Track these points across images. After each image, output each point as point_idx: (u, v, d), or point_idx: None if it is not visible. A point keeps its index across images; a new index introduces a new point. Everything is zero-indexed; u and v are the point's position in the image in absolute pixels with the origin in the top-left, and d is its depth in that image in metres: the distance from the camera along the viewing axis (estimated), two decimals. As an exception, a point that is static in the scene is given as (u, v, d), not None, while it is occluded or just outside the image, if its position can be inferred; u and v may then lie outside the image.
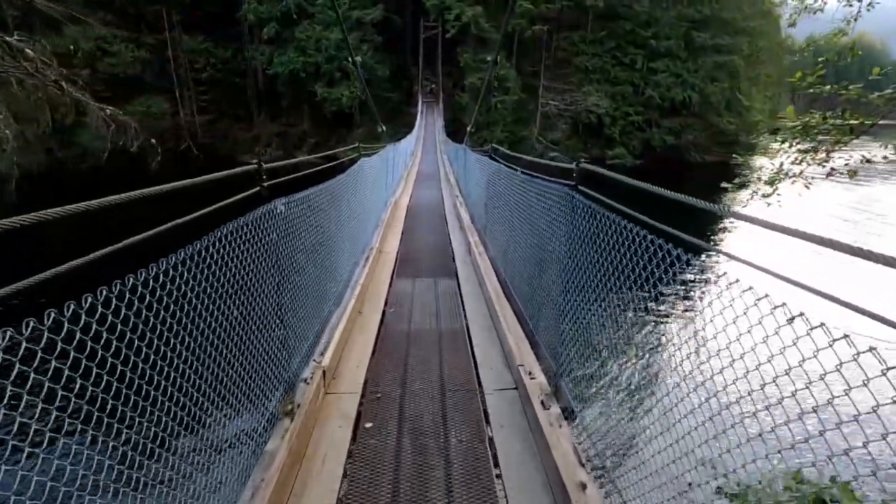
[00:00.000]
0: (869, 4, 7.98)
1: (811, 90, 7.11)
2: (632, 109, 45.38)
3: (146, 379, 1.84)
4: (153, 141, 7.17)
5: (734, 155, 46.75)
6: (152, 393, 1.88)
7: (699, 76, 45.18)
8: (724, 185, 7.97)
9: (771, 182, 7.39)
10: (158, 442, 1.91)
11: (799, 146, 6.92)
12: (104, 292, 1.57)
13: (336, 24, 41.16)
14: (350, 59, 5.96)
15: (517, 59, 44.43)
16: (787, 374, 1.46)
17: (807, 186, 7.72)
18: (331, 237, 4.57)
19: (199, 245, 2.17)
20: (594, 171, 2.89)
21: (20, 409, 1.32)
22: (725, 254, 2.03)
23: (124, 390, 1.72)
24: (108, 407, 1.63)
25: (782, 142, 6.97)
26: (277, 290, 2.99)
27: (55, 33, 39.24)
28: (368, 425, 2.91)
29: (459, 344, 4.08)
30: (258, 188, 2.74)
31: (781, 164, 7.35)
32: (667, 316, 11.18)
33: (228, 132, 46.13)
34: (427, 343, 4.10)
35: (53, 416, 1.41)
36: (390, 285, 5.75)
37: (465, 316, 4.79)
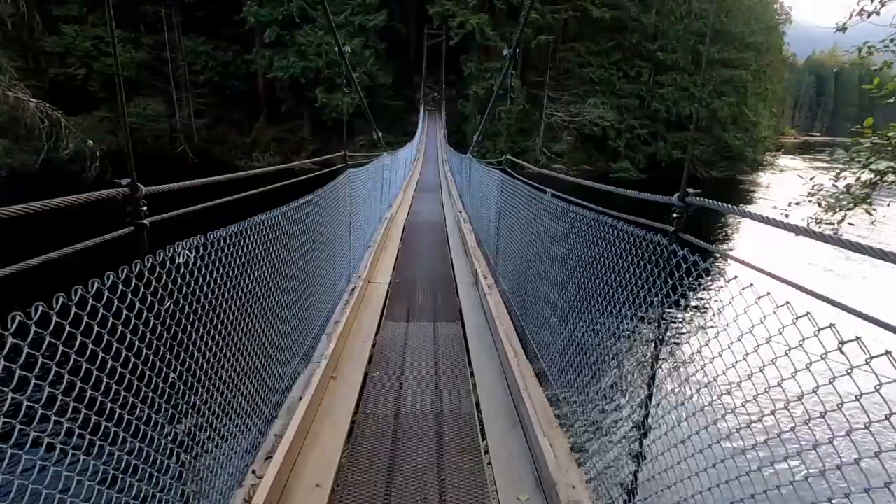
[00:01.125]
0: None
1: (892, 100, 6.01)
2: (637, 122, 44.56)
3: None
4: (91, 142, 6.06)
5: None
6: None
7: (706, 90, 44.30)
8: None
9: (834, 208, 6.22)
10: None
11: (875, 165, 5.76)
12: None
13: (339, 28, 40.29)
14: (338, 48, 4.80)
15: (522, 69, 43.61)
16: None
17: (870, 213, 6.56)
18: (297, 281, 3.39)
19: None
20: (702, 205, 1.73)
21: None
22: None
23: None
24: None
25: (862, 159, 5.80)
26: (177, 391, 1.79)
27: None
28: None
29: (468, 443, 2.86)
30: (131, 227, 1.55)
31: (849, 188, 6.20)
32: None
33: (226, 136, 45.17)
34: (422, 438, 2.89)
35: None
36: (377, 331, 4.55)
37: (474, 386, 3.58)
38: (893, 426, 1.09)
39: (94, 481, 1.44)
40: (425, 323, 4.71)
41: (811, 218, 6.35)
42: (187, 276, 1.86)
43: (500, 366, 3.86)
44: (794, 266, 14.89)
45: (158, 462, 1.72)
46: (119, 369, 1.52)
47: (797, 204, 6.74)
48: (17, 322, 1.15)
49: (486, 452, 2.80)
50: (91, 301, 1.38)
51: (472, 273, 6.26)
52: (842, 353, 1.18)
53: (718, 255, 1.48)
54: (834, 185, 6.27)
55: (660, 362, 2.00)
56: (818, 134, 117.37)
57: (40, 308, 1.21)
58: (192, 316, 1.92)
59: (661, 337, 1.95)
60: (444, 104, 42.14)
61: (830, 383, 1.23)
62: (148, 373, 1.66)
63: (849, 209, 5.82)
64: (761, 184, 44.98)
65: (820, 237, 1.29)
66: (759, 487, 1.52)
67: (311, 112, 42.27)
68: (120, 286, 1.48)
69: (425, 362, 3.90)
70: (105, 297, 1.44)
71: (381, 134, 8.70)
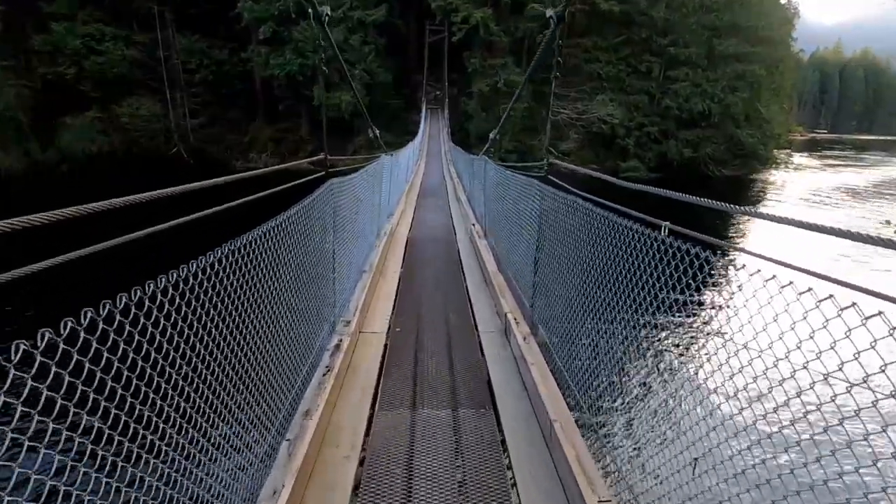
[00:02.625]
0: None
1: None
2: (647, 120, 42.92)
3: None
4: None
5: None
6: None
7: (720, 86, 42.66)
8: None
9: None
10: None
11: None
12: None
13: (337, 23, 38.71)
14: (312, 10, 3.27)
15: (526, 64, 42.06)
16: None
17: None
18: (243, 370, 1.92)
19: None
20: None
21: None
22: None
23: None
24: None
25: None
26: None
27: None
28: None
29: None
30: None
31: None
32: None
33: (222, 136, 43.84)
34: None
35: None
36: (367, 430, 2.99)
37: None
38: None
39: None
40: (440, 412, 3.13)
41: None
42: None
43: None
44: None
45: None
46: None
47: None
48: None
49: None
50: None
51: (499, 315, 4.70)
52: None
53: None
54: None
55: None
56: (824, 131, 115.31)
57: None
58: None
59: None
60: (446, 102, 40.55)
61: None
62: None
63: None
64: (775, 182, 43.35)
65: None
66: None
67: (309, 111, 40.89)
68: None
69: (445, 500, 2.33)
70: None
71: (378, 132, 7.14)
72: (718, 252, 1.81)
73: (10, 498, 1.14)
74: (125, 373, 1.44)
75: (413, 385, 3.47)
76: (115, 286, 1.39)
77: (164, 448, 1.66)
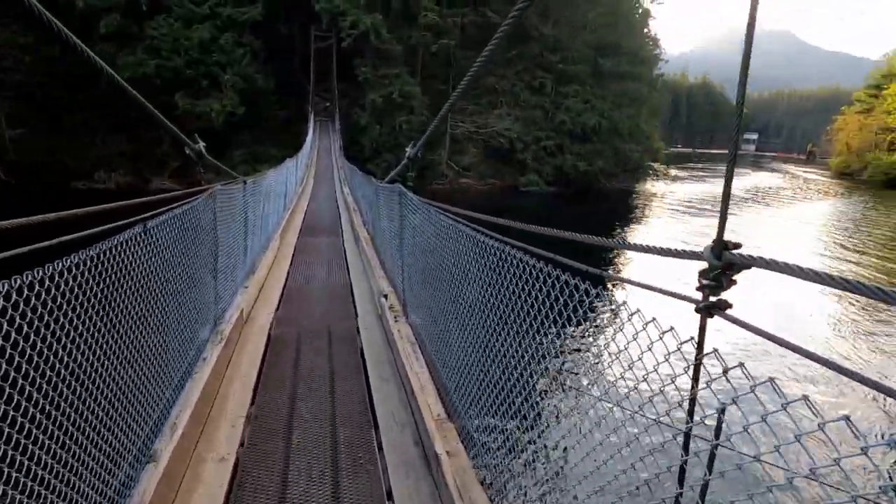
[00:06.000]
0: None
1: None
2: (543, 134, 43.12)
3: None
4: None
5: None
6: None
7: (607, 102, 44.46)
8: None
9: None
10: None
11: None
12: None
13: (203, 20, 33.19)
14: None
15: (422, 76, 39.99)
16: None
17: None
18: None
19: None
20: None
21: None
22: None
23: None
24: None
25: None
26: None
27: None
28: None
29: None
30: None
31: None
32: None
33: (57, 150, 35.41)
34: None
35: None
36: None
37: None
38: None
39: None
40: None
41: None
42: None
43: None
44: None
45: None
46: None
47: None
48: None
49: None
50: None
51: None
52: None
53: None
54: None
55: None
56: (679, 146, 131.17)
57: None
58: None
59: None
60: (337, 114, 36.74)
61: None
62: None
63: None
64: (657, 193, 45.92)
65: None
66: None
67: (175, 122, 34.43)
68: None
69: None
70: None
71: (202, 145, 3.75)
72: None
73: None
74: None
75: None
76: None
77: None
